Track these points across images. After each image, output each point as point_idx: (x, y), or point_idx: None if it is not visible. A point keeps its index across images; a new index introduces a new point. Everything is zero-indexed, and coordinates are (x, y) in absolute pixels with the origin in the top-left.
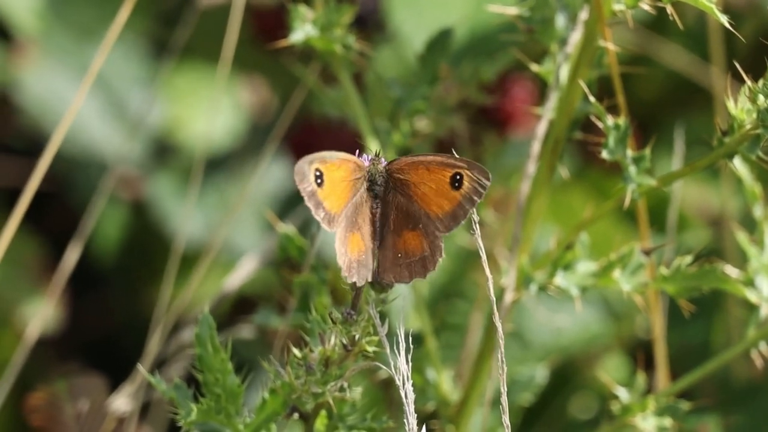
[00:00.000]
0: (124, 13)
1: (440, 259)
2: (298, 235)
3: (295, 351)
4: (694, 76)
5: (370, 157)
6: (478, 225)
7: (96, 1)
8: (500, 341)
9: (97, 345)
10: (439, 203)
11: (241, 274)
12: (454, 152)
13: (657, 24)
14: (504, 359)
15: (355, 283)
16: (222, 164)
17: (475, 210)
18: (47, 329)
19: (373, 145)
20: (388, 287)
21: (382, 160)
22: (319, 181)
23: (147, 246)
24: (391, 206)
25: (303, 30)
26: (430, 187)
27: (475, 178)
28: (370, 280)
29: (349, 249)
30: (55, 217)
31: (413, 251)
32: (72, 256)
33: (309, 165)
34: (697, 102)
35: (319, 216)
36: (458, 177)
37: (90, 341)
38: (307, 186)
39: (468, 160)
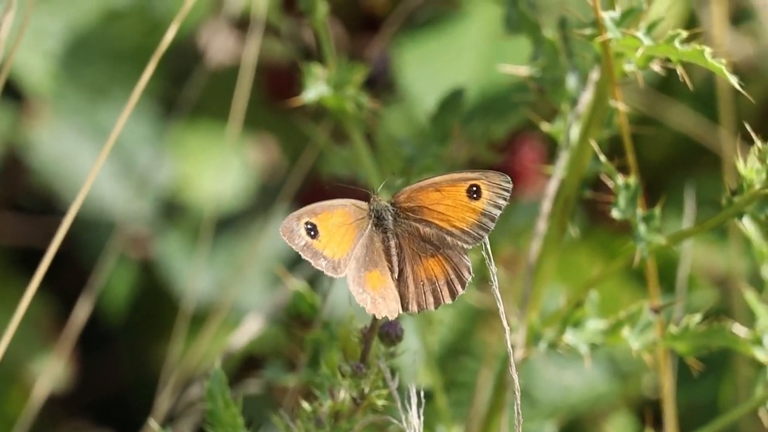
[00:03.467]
0: (145, 77)
1: (469, 279)
2: (310, 292)
3: (305, 405)
4: (701, 137)
5: (371, 197)
6: (494, 285)
7: (108, 62)
8: (517, 393)
9: (105, 402)
10: (461, 217)
11: (247, 331)
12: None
13: (665, 85)
14: (520, 412)
15: (365, 335)
16: (231, 224)
17: (492, 262)
18: (57, 387)
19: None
20: (397, 340)
21: (381, 199)
22: (312, 233)
23: (155, 304)
24: (405, 236)
25: (316, 89)
26: (447, 205)
27: (494, 184)
28: (400, 312)
29: (368, 287)
30: (64, 275)
31: (436, 277)
32: (81, 313)
33: (297, 221)
34: (703, 163)
35: (320, 265)
36: (474, 188)
37: (99, 399)
38: (299, 241)
39: (481, 170)
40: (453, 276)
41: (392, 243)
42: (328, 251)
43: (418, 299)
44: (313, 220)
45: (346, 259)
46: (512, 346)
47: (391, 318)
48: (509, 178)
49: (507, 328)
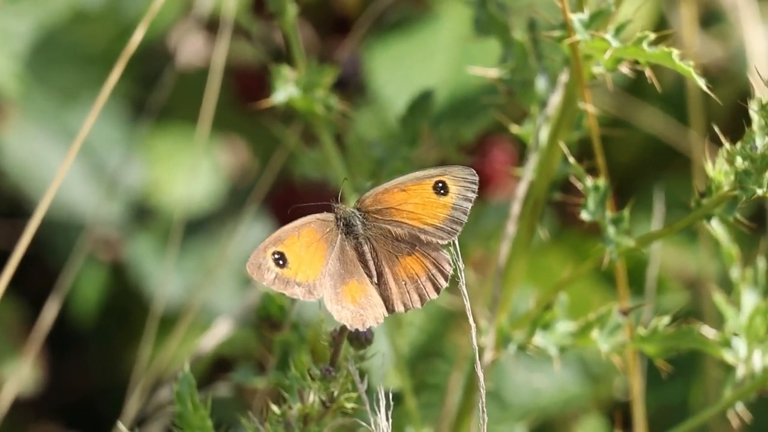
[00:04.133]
0: (113, 77)
1: (450, 271)
2: (279, 294)
3: (274, 408)
4: (671, 139)
5: (334, 206)
6: (461, 282)
7: (77, 65)
8: (482, 391)
9: (75, 406)
10: (431, 213)
11: (217, 334)
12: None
13: (634, 87)
14: (485, 410)
15: (334, 339)
16: (201, 226)
17: (460, 259)
18: (26, 390)
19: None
20: (367, 343)
21: (345, 207)
22: (281, 262)
23: (125, 307)
24: (377, 239)
25: (285, 90)
26: (416, 203)
27: (459, 178)
28: (386, 315)
29: (348, 301)
30: (34, 278)
31: (417, 274)
32: (49, 316)
33: (263, 253)
34: (674, 165)
35: (295, 294)
36: (440, 184)
37: (68, 402)
38: (269, 275)
39: (445, 166)
40: (434, 271)
41: (366, 248)
42: (300, 276)
43: (403, 299)
44: (280, 248)
45: (320, 278)
46: (481, 348)
47: (376, 325)
48: (473, 170)
49: (473, 326)
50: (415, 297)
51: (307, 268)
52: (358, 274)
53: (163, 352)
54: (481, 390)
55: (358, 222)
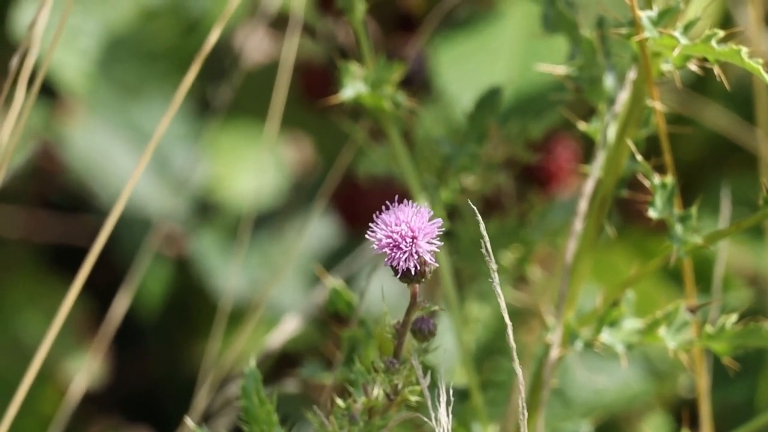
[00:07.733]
0: (189, 78)
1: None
2: (346, 290)
3: (339, 401)
4: (736, 136)
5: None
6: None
7: (141, 61)
8: (520, 387)
9: (137, 400)
10: None
11: (285, 331)
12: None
13: (698, 84)
14: (525, 405)
15: (398, 331)
16: (264, 222)
17: (492, 257)
18: (91, 384)
19: (421, 200)
20: (430, 336)
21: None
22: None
23: (189, 302)
24: None
25: (353, 87)
26: None
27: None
28: None
29: None
30: (98, 273)
31: None
32: (118, 311)
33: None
34: (737, 163)
35: None
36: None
37: (131, 396)
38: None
39: None
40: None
41: None
42: None
43: None
44: None
45: None
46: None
47: None
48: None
49: (509, 324)
50: None
51: None
52: None
53: (229, 347)
54: (518, 373)
55: None
